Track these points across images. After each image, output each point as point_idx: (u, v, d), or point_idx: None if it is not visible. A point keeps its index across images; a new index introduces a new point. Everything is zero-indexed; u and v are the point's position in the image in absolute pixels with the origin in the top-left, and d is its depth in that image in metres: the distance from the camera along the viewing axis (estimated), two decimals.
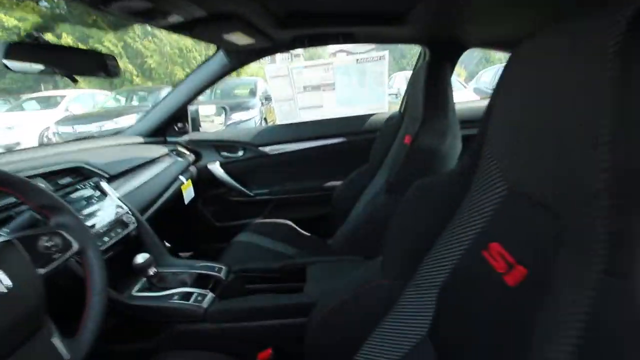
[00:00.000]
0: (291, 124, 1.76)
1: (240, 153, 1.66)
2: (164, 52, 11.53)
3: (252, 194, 1.67)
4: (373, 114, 1.69)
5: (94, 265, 0.62)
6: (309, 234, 1.44)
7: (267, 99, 6.60)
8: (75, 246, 0.60)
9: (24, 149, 1.01)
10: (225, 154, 1.66)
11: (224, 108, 1.73)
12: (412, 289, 0.56)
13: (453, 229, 0.52)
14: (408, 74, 4.12)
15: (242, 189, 1.66)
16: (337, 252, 1.15)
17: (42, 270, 0.53)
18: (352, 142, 1.65)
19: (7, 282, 0.46)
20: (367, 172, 1.45)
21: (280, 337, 0.82)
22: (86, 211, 0.84)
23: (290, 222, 1.47)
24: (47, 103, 7.13)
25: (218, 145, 1.66)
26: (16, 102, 7.57)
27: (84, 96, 7.77)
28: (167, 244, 1.78)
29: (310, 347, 0.70)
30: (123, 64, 10.20)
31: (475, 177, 0.51)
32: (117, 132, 1.51)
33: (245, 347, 0.83)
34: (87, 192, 0.90)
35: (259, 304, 0.82)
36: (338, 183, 1.59)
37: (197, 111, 1.62)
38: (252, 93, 6.35)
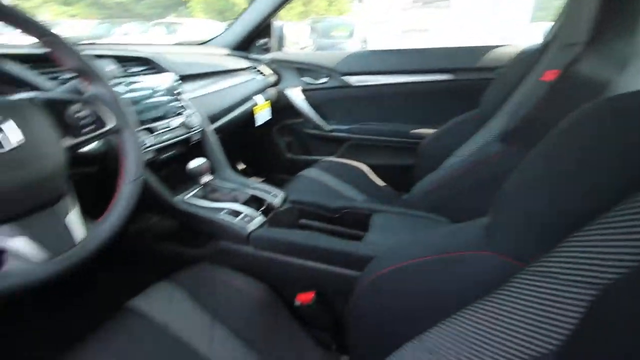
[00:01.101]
0: (386, 51, 1.46)
1: (323, 80, 1.48)
2: None
3: (329, 129, 1.51)
4: (494, 46, 1.30)
5: (130, 149, 0.54)
6: (383, 183, 1.25)
7: (364, 42, 6.18)
8: (110, 124, 0.52)
9: (100, 43, 1.00)
10: (307, 79, 1.50)
11: (311, 27, 1.53)
12: (540, 276, 0.34)
13: None
14: None
15: (319, 122, 1.51)
16: (410, 206, 0.93)
17: (67, 141, 0.47)
18: (459, 81, 1.31)
19: (20, 137, 0.40)
20: (472, 121, 1.14)
21: (325, 284, 0.70)
22: (149, 102, 0.79)
23: (365, 166, 1.30)
24: (170, 29, 7.96)
25: (301, 69, 1.50)
26: (146, 26, 8.65)
27: (201, 24, 8.44)
28: (242, 166, 1.80)
29: (356, 305, 0.55)
30: None
31: None
32: (202, 42, 1.46)
33: (285, 282, 0.74)
34: (157, 84, 0.84)
35: (309, 242, 0.69)
36: (430, 131, 1.31)
37: (281, 28, 1.46)
38: (350, 35, 6.01)
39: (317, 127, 1.53)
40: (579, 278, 0.30)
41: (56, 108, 0.46)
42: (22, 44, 0.65)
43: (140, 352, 0.54)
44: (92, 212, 0.49)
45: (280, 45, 1.51)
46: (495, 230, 0.43)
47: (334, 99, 1.51)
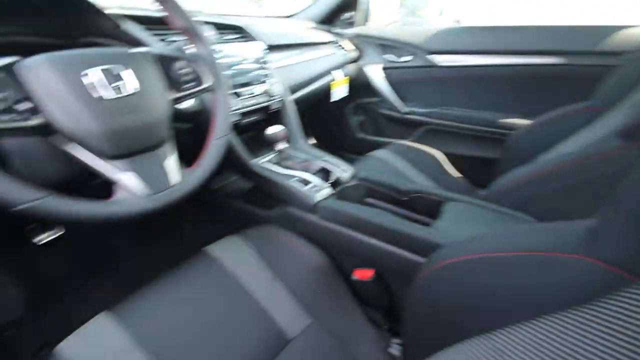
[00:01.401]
0: (482, 27, 1.30)
1: (407, 58, 1.40)
2: None
3: (405, 111, 1.44)
4: (625, 27, 1.07)
5: (220, 109, 0.58)
6: (459, 175, 1.16)
7: (456, 21, 5.66)
8: (207, 82, 0.56)
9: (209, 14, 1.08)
10: (389, 56, 1.44)
11: (400, 3, 1.44)
12: None
13: None
14: None
15: (396, 102, 1.44)
16: (490, 200, 0.84)
17: (171, 94, 0.52)
18: (570, 66, 1.12)
19: (136, 85, 0.45)
20: (580, 114, 0.97)
21: (385, 263, 0.68)
22: (239, 68, 0.83)
23: (440, 154, 1.21)
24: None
25: (384, 45, 1.44)
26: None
27: None
28: (312, 141, 1.84)
29: (417, 291, 0.53)
30: None
31: None
32: (290, 16, 1.48)
33: (345, 255, 0.74)
34: (248, 53, 0.88)
35: (374, 220, 0.68)
36: (522, 122, 1.16)
37: (368, 2, 1.41)
38: (441, 13, 5.52)
39: (393, 108, 1.47)
40: None
41: (165, 63, 0.52)
42: (139, 7, 0.73)
43: (210, 292, 0.60)
44: (184, 161, 0.55)
45: (365, 20, 1.46)
46: (601, 236, 0.36)
47: (415, 79, 1.42)
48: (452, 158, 1.23)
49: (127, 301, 0.56)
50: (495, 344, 0.38)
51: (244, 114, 0.84)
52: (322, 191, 0.77)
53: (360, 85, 1.50)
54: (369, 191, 0.88)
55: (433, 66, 1.34)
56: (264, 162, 0.86)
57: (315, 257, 0.71)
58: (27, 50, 0.44)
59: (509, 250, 0.44)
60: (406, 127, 1.49)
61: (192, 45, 0.56)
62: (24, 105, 0.37)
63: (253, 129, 0.95)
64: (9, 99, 0.36)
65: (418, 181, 1.07)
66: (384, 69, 1.44)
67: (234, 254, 0.67)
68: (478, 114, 1.31)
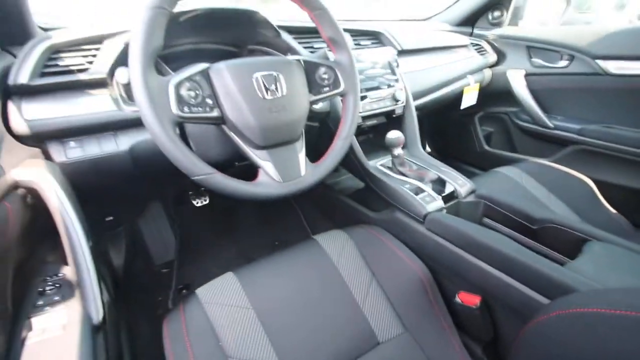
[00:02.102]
0: None
1: (563, 63, 1.19)
2: None
3: (551, 125, 1.23)
4: None
5: (349, 111, 0.63)
6: (612, 210, 0.93)
7: None
8: (342, 87, 0.62)
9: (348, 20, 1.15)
10: (538, 60, 1.24)
11: None
12: None
13: None
14: None
15: (542, 114, 1.24)
16: None
17: (312, 96, 0.59)
18: None
19: (285, 89, 0.54)
20: None
21: (497, 294, 0.61)
22: (370, 72, 0.87)
23: (589, 182, 1.00)
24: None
25: (532, 47, 1.25)
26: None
27: None
28: (428, 148, 1.76)
29: (536, 335, 0.47)
30: None
31: None
32: (426, 19, 1.44)
33: (449, 274, 0.70)
34: (380, 58, 0.92)
35: (491, 243, 0.62)
36: None
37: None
38: (621, 7, 4.44)
39: (534, 120, 1.27)
40: None
41: (310, 68, 0.59)
42: (293, 19, 0.84)
43: (314, 276, 0.66)
44: (311, 156, 0.62)
45: (517, 19, 1.30)
46: None
47: (569, 88, 1.19)
48: (606, 188, 0.99)
49: (248, 267, 0.67)
50: None
51: (367, 117, 0.87)
52: (433, 203, 0.74)
53: (493, 93, 1.35)
54: (488, 211, 0.80)
55: (600, 74, 1.10)
56: (380, 165, 0.88)
57: (417, 269, 0.70)
58: (213, 57, 0.58)
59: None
60: (548, 144, 1.27)
61: (335, 52, 0.62)
62: (209, 100, 0.49)
63: (372, 130, 0.98)
64: (201, 95, 0.48)
65: (556, 210, 0.91)
66: (527, 75, 1.26)
67: (339, 248, 0.72)
68: None
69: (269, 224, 1.26)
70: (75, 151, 0.57)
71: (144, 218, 1.10)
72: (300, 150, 0.58)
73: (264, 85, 0.52)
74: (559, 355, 0.41)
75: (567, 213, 0.91)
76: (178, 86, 0.46)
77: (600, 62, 1.09)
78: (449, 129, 1.60)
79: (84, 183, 0.60)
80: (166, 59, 0.66)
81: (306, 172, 0.57)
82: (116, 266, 0.92)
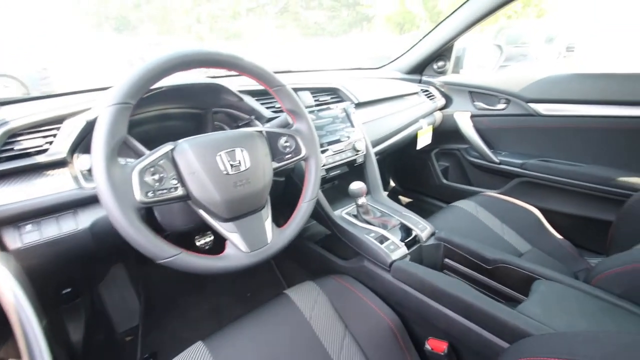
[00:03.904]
0: (598, 75, 1.17)
1: (501, 106, 1.33)
2: None
3: (497, 160, 1.35)
4: None
5: (312, 174, 0.67)
6: (558, 235, 1.03)
7: (569, 49, 5.08)
8: (303, 153, 0.66)
9: (299, 71, 1.24)
10: (480, 104, 1.39)
11: (498, 46, 1.40)
12: None
13: None
14: None
15: (485, 150, 1.37)
16: (595, 282, 0.72)
17: (274, 164, 0.62)
18: None
19: (248, 163, 0.56)
20: None
21: (462, 339, 0.65)
22: (330, 127, 0.93)
23: (537, 211, 1.10)
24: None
25: (474, 92, 1.40)
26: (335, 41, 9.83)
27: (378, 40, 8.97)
28: (393, 184, 1.85)
29: None
30: (415, 8, 10.60)
31: None
32: (379, 67, 1.57)
33: (418, 320, 0.73)
34: (338, 112, 0.98)
35: (453, 291, 0.66)
36: None
37: (464, 50, 1.40)
38: (549, 40, 5.06)
39: (483, 156, 1.39)
40: None
41: (273, 138, 0.63)
42: (253, 84, 0.89)
43: (287, 335, 0.66)
44: (278, 211, 0.64)
45: (457, 68, 1.46)
46: None
47: (509, 127, 1.33)
48: (550, 215, 1.10)
49: (218, 334, 0.66)
50: None
51: (330, 169, 0.92)
52: (398, 250, 0.78)
53: (445, 132, 1.48)
54: (448, 252, 0.85)
55: (533, 115, 1.25)
56: (345, 214, 0.92)
57: (388, 317, 0.72)
58: (179, 119, 0.59)
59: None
60: (496, 176, 1.39)
61: (295, 121, 0.67)
62: (174, 181, 0.51)
63: (336, 180, 1.03)
64: (166, 177, 0.50)
65: (511, 241, 0.98)
66: (472, 116, 1.40)
67: (311, 302, 0.73)
68: (588, 170, 1.15)
69: (240, 277, 1.24)
70: (31, 235, 0.55)
71: (104, 283, 1.04)
72: (266, 218, 0.60)
73: (228, 162, 0.54)
74: None
75: (520, 244, 0.99)
76: (142, 173, 0.47)
77: (532, 105, 1.24)
78: (409, 165, 1.70)
79: (40, 265, 0.57)
80: (131, 123, 0.68)
81: (273, 238, 0.59)
82: (74, 342, 0.85)
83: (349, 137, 0.96)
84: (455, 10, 1.26)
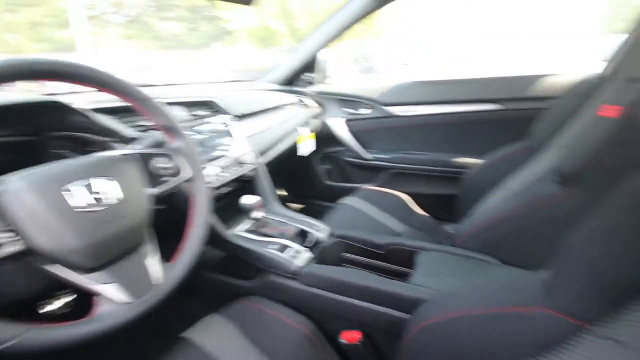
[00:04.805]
0: (432, 81, 1.49)
1: (365, 111, 1.53)
2: (314, 13, 11.97)
3: (368, 157, 1.54)
4: (547, 75, 1.26)
5: (200, 196, 0.60)
6: (424, 214, 1.23)
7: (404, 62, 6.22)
8: (186, 173, 0.59)
9: (171, 84, 1.13)
10: (348, 110, 1.56)
11: (356, 59, 1.59)
12: (605, 341, 0.33)
13: None
14: None
15: (359, 150, 1.54)
16: (458, 244, 0.91)
17: (152, 190, 0.53)
18: (508, 111, 1.29)
19: (120, 194, 0.46)
20: (522, 152, 1.10)
21: (371, 323, 0.70)
22: (211, 144, 0.87)
23: (404, 195, 1.29)
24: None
25: (342, 100, 1.56)
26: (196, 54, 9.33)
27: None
28: (283, 192, 1.88)
29: (406, 351, 0.55)
30: (275, 24, 11.11)
31: None
32: (254, 80, 1.58)
33: (331, 319, 0.75)
34: (217, 126, 0.92)
35: (356, 281, 0.71)
36: (474, 161, 1.29)
37: (325, 61, 1.54)
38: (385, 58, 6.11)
39: (357, 155, 1.56)
40: None
41: (144, 160, 0.54)
42: (108, 99, 0.75)
43: None
44: (163, 253, 0.55)
45: (324, 77, 1.59)
46: (555, 287, 0.42)
47: (375, 128, 1.54)
48: (416, 198, 1.31)
49: None
50: None
51: (218, 187, 0.86)
52: (301, 256, 0.79)
53: (325, 137, 1.59)
54: (346, 247, 0.91)
55: (390, 116, 1.47)
56: (241, 231, 0.87)
57: (301, 326, 0.71)
58: (5, 166, 0.44)
59: (480, 308, 0.48)
60: (371, 172, 1.58)
61: (172, 139, 0.59)
62: (4, 234, 0.37)
63: (228, 196, 0.97)
64: None
65: (388, 224, 1.12)
66: (347, 121, 1.55)
67: (216, 338, 0.65)
68: (434, 156, 1.44)
69: (122, 335, 1.02)
70: None
71: None
72: (148, 256, 0.50)
73: (89, 196, 0.43)
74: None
75: (395, 224, 1.14)
76: None
77: (388, 108, 1.46)
78: (297, 172, 1.76)
79: None
80: None
81: (161, 278, 0.50)
82: None
83: (233, 151, 0.91)
84: (321, 25, 1.38)
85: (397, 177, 1.52)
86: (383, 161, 1.52)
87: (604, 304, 0.35)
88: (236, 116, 1.03)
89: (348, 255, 0.92)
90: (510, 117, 1.29)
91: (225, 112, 1.01)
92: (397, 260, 0.86)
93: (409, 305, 0.64)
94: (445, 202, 1.43)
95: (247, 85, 1.46)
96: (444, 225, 1.21)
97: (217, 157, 0.86)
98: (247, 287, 0.84)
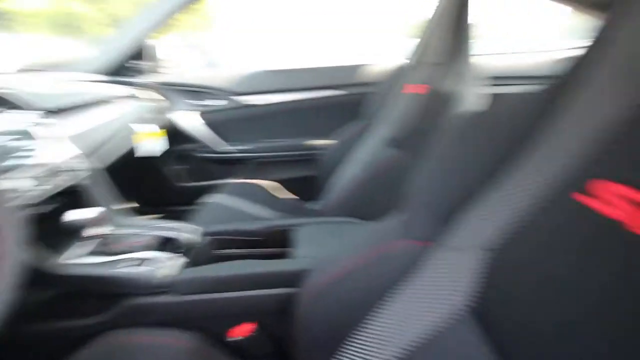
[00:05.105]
0: (279, 70, 1.55)
1: (215, 102, 1.45)
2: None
3: (230, 150, 1.48)
4: (372, 64, 1.52)
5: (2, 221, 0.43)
6: (291, 197, 1.30)
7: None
8: None
9: None
10: (198, 102, 1.44)
11: (196, 47, 1.49)
12: (447, 250, 0.43)
13: (518, 169, 0.38)
14: None
15: (213, 145, 1.47)
16: (326, 215, 1.01)
17: None
18: (347, 95, 1.48)
19: None
20: (363, 129, 1.29)
21: (264, 311, 0.68)
22: (10, 149, 0.63)
23: (267, 183, 1.32)
24: None
25: (190, 91, 1.43)
26: None
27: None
28: (134, 204, 1.58)
29: (302, 321, 0.57)
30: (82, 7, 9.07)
31: (572, 95, 0.36)
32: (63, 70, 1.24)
33: (219, 321, 0.69)
34: (17, 126, 0.68)
35: (234, 272, 0.67)
36: (326, 142, 1.43)
37: (154, 47, 1.36)
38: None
39: (214, 150, 1.48)
40: (477, 242, 0.39)
41: None
42: None
43: None
44: None
45: (156, 66, 1.41)
46: (408, 222, 0.51)
47: (228, 119, 1.49)
48: (282, 183, 1.36)
49: None
50: (371, 332, 0.46)
51: (35, 205, 0.64)
52: (169, 265, 0.69)
53: (176, 134, 1.43)
54: (221, 243, 0.85)
55: (247, 106, 1.45)
56: (78, 256, 0.68)
57: (184, 342, 0.62)
58: None
59: (355, 259, 0.54)
60: (230, 165, 1.54)
61: None
62: None
63: (52, 216, 0.73)
64: None
65: (259, 214, 1.12)
66: (202, 114, 1.44)
67: None
68: (291, 142, 1.52)
69: None
70: None
71: None
72: None
73: None
74: (331, 324, 0.52)
75: (266, 212, 1.15)
76: None
77: (242, 97, 1.44)
78: (145, 177, 1.52)
79: None
80: None
81: None
82: None
83: (46, 156, 0.69)
84: (145, 9, 1.21)
85: (261, 166, 1.53)
86: (246, 152, 1.49)
87: (441, 224, 0.45)
88: (48, 112, 0.78)
89: (224, 251, 0.87)
90: (349, 101, 1.48)
91: (28, 108, 0.75)
92: (276, 243, 0.87)
93: (295, 279, 0.66)
94: (308, 183, 1.54)
95: (57, 75, 1.14)
96: (310, 203, 1.30)
97: (22, 166, 0.63)
98: (99, 325, 0.66)
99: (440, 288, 0.41)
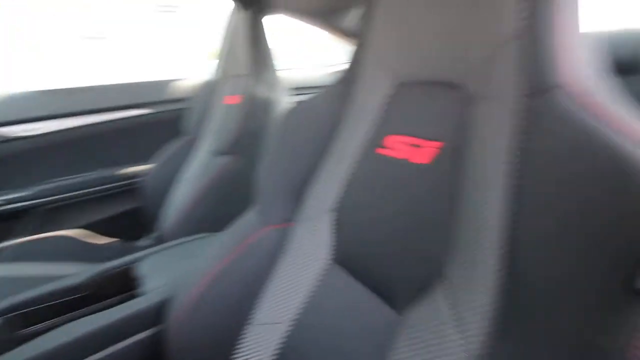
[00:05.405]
0: (62, 90, 1.22)
1: None
2: None
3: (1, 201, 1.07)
4: (181, 79, 1.45)
5: None
6: (110, 239, 1.07)
7: None
8: None
9: None
10: None
11: None
12: (304, 223, 0.50)
13: (336, 146, 0.49)
14: None
15: None
16: (171, 239, 0.89)
17: None
18: (158, 113, 1.35)
19: None
20: (185, 145, 1.22)
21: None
22: None
23: (74, 231, 1.05)
24: None
25: None
26: None
27: None
28: None
29: (179, 349, 0.51)
30: None
31: (354, 87, 0.49)
32: None
33: None
34: None
35: (70, 338, 0.51)
36: (144, 167, 1.27)
37: None
38: None
39: None
40: (324, 207, 0.48)
41: None
42: None
43: None
44: None
45: None
46: (263, 211, 0.56)
47: None
48: (93, 228, 1.10)
49: None
50: (259, 318, 0.48)
51: None
52: None
53: None
54: (24, 319, 0.62)
55: (13, 139, 1.08)
56: None
57: None
58: None
59: (221, 262, 0.53)
60: (12, 221, 1.12)
61: None
62: None
63: None
64: None
65: (67, 274, 0.87)
66: None
67: None
68: (97, 174, 1.25)
69: None
70: None
71: None
72: None
73: None
74: (212, 333, 0.49)
75: (76, 269, 0.90)
76: None
77: (4, 129, 1.07)
78: None
79: None
80: None
81: None
82: None
83: None
84: None
85: (56, 213, 1.18)
86: (24, 201, 1.11)
87: (289, 206, 0.52)
88: None
89: (28, 329, 0.64)
90: (162, 119, 1.36)
91: None
92: (116, 289, 0.71)
93: (157, 313, 0.57)
94: (133, 217, 1.31)
95: None
96: (142, 240, 1.13)
97: None
98: None
99: (306, 253, 0.48)
